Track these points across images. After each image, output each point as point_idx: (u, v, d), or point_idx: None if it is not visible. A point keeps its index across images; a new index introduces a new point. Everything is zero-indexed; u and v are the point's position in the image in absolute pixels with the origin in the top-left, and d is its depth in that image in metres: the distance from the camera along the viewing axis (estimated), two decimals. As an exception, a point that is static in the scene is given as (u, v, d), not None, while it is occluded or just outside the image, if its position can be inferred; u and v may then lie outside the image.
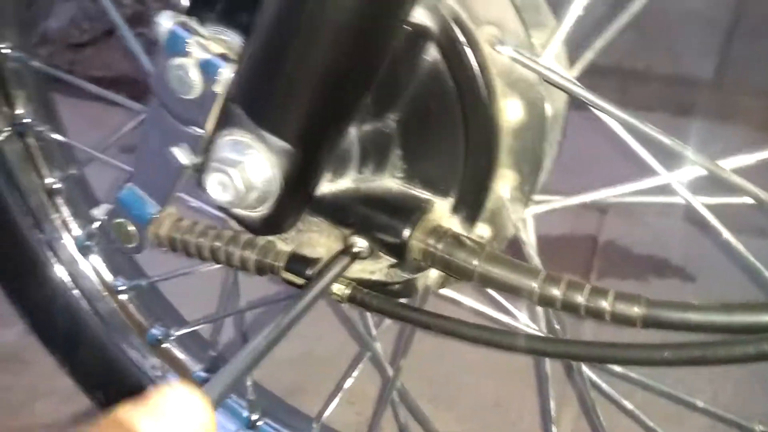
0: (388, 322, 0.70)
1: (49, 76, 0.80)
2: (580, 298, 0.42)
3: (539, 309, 0.57)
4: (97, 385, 0.86)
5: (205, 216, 0.67)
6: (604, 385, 0.59)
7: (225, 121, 0.43)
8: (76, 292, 0.83)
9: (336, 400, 0.83)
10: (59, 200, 0.83)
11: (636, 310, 0.41)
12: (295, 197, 0.44)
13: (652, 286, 1.40)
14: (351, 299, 0.52)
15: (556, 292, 0.43)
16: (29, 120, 0.79)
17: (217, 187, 0.42)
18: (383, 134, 0.48)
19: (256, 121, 0.41)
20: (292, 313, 0.41)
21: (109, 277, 0.84)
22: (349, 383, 0.84)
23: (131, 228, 0.58)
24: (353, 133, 0.48)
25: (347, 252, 0.47)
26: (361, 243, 0.48)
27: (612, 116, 0.44)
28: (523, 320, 0.59)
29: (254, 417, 0.83)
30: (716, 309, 0.39)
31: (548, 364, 0.63)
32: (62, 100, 0.90)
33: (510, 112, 0.46)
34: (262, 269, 0.53)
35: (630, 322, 0.41)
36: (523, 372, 1.11)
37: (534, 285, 0.44)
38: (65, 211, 0.83)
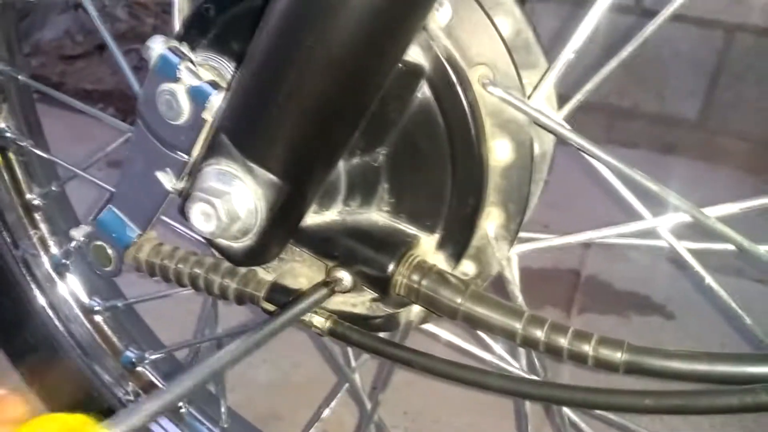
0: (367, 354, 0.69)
1: (35, 90, 0.79)
2: (562, 341, 0.42)
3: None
4: (67, 407, 0.83)
5: (187, 240, 0.66)
6: (583, 426, 0.59)
7: (212, 151, 0.43)
8: (49, 311, 0.81)
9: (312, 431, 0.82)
10: (38, 217, 0.81)
11: (619, 356, 0.40)
12: (280, 230, 0.44)
13: (633, 323, 1.41)
14: (331, 332, 0.51)
15: (539, 334, 0.43)
16: (10, 134, 0.78)
17: (200, 217, 0.41)
18: (371, 168, 0.48)
19: (244, 153, 0.41)
20: (256, 337, 0.40)
21: (84, 297, 0.82)
22: (326, 414, 0.82)
23: (110, 251, 0.56)
24: (341, 165, 0.47)
25: (328, 284, 0.46)
26: (343, 276, 0.47)
27: (600, 160, 0.44)
28: (504, 358, 0.59)
29: (227, 446, 0.81)
30: (699, 358, 0.39)
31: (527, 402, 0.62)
32: (48, 111, 0.89)
33: (498, 152, 0.46)
34: (241, 298, 0.52)
35: (612, 367, 0.40)
36: (498, 404, 1.11)
37: (517, 326, 0.43)
38: (43, 229, 0.82)
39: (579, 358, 0.42)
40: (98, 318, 0.83)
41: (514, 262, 0.51)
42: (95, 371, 0.81)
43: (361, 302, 0.53)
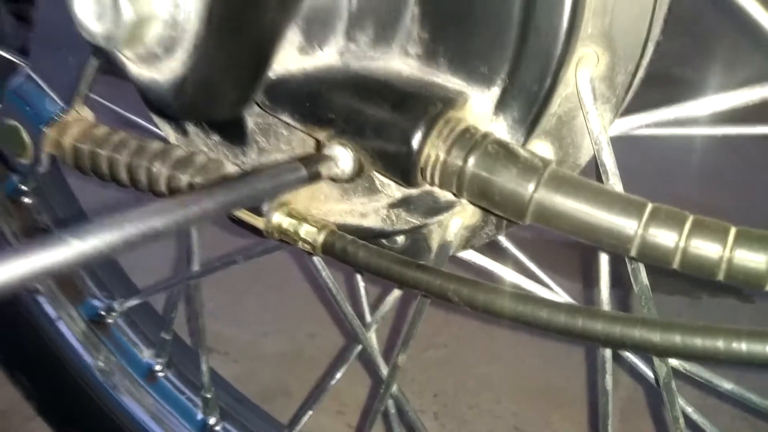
0: (387, 307, 0.51)
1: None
2: (717, 250, 0.23)
3: (603, 288, 0.38)
4: (20, 366, 0.68)
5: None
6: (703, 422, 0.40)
7: None
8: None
9: (320, 406, 0.64)
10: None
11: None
12: (230, 47, 0.26)
13: (705, 305, 1.20)
14: (327, 249, 0.33)
15: (673, 237, 0.24)
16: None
17: (88, 5, 0.24)
18: (392, -22, 0.30)
19: None
20: (190, 209, 0.22)
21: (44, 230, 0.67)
22: (341, 387, 0.65)
23: (25, 134, 0.40)
24: (343, -30, 0.29)
25: (311, 161, 0.28)
26: (338, 152, 0.29)
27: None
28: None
29: (211, 420, 0.64)
30: None
31: (609, 377, 0.44)
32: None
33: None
34: (198, 197, 0.35)
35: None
36: (548, 391, 0.93)
37: (634, 225, 0.25)
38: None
39: (751, 278, 0.23)
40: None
41: (605, 144, 0.32)
42: (54, 324, 0.65)
43: (373, 210, 0.35)
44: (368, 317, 0.54)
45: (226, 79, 0.26)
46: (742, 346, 0.23)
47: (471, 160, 0.28)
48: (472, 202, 0.29)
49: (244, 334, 1.03)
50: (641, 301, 0.33)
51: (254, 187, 0.24)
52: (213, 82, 0.25)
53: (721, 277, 0.24)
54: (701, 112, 0.31)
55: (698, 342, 0.24)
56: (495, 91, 0.30)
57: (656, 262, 0.25)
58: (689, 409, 0.42)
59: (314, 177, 0.27)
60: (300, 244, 0.34)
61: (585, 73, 0.29)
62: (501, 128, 0.30)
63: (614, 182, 0.30)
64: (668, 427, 0.40)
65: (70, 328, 0.65)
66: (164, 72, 0.25)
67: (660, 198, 0.26)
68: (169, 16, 0.23)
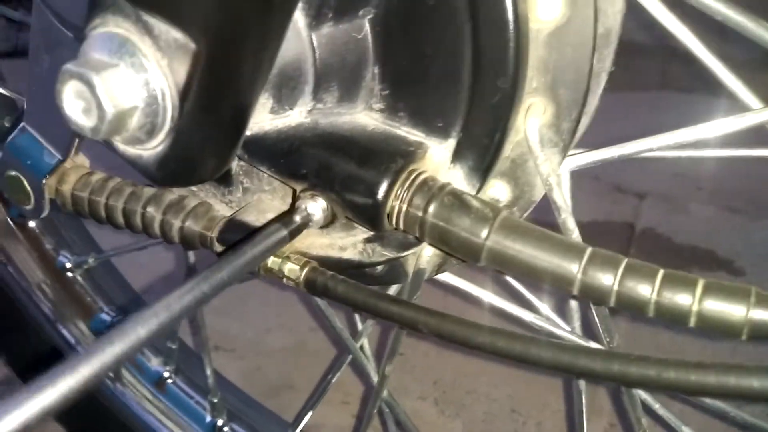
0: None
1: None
2: (647, 291, 0.26)
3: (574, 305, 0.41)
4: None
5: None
6: (660, 410, 0.43)
7: (96, 6, 0.28)
8: (10, 268, 0.69)
9: (324, 398, 0.68)
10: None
11: (742, 313, 0.25)
12: (209, 129, 0.29)
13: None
14: (309, 285, 0.36)
15: (608, 279, 0.27)
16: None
17: (74, 104, 0.27)
18: (352, 42, 0.32)
19: (137, 1, 0.26)
20: (191, 296, 0.26)
21: (50, 251, 0.70)
22: (345, 378, 0.69)
23: (27, 184, 0.43)
24: (306, 39, 0.32)
25: (288, 218, 0.31)
26: (308, 205, 0.32)
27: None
28: (552, 320, 0.43)
29: (219, 422, 0.69)
30: None
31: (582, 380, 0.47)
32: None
33: (544, 6, 0.30)
34: (189, 240, 0.38)
35: (733, 330, 0.25)
36: (543, 376, 0.97)
37: (574, 268, 0.28)
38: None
39: (677, 316, 0.26)
40: (68, 275, 0.71)
41: (565, 182, 0.35)
42: (63, 337, 0.69)
43: (351, 244, 0.38)
44: (359, 325, 0.57)
45: (204, 151, 0.29)
46: (692, 377, 0.26)
47: (430, 211, 0.31)
48: (432, 245, 0.32)
49: (249, 331, 1.07)
50: (599, 324, 0.36)
51: (247, 257, 0.27)
52: (193, 155, 0.28)
53: (651, 314, 0.27)
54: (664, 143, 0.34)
55: (633, 371, 0.27)
56: (451, 143, 0.32)
57: (595, 301, 0.28)
58: (656, 405, 0.46)
59: (295, 233, 0.31)
60: (285, 280, 0.37)
61: (533, 122, 0.32)
62: (458, 175, 0.33)
63: (565, 218, 0.33)
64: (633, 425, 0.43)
65: (80, 342, 0.69)
66: (148, 150, 0.28)
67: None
68: (147, 106, 0.26)
